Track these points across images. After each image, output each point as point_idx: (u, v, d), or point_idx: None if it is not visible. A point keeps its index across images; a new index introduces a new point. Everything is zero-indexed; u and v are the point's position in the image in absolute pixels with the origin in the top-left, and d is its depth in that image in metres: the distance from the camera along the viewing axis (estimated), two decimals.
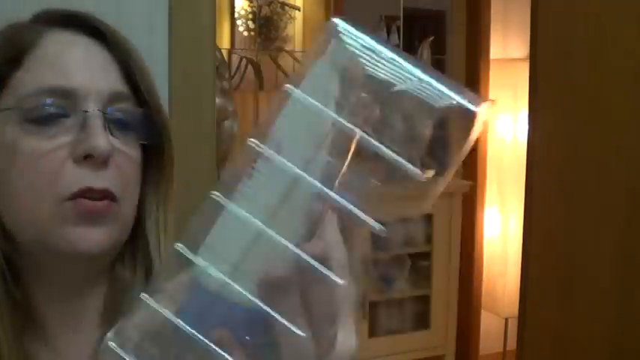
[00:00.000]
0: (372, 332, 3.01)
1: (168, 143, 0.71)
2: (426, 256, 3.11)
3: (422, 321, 3.14)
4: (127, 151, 0.67)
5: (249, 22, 3.31)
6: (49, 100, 0.66)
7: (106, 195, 0.65)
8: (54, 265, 0.68)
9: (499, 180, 3.21)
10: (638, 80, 1.49)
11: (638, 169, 1.50)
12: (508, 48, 3.31)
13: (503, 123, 3.25)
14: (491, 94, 3.39)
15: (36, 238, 0.66)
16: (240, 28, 3.25)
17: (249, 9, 3.31)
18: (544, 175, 1.65)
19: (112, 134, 0.66)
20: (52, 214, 0.64)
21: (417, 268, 3.12)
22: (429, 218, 3.07)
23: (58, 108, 0.66)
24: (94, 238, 0.65)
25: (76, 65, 0.67)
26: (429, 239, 3.10)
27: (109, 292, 0.72)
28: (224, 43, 3.18)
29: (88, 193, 0.64)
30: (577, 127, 1.58)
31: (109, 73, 0.69)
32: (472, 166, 3.25)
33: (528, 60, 1.71)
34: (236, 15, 3.27)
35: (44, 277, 0.69)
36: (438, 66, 3.68)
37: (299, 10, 3.43)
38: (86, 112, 0.65)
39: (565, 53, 1.60)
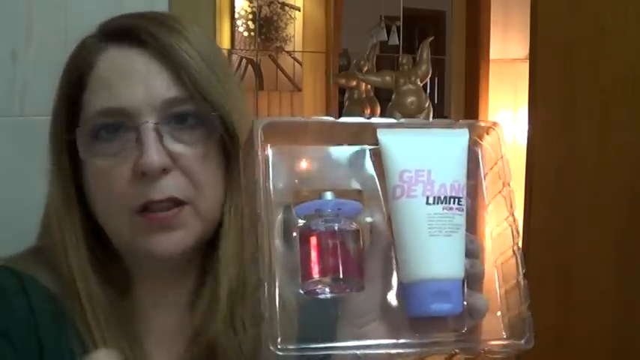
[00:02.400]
0: None
1: (230, 136, 0.72)
2: None
3: None
4: (191, 152, 0.70)
5: (249, 23, 3.31)
6: (104, 121, 0.70)
7: (170, 202, 0.70)
8: (147, 260, 0.74)
9: None
10: (638, 80, 1.49)
11: (638, 169, 1.50)
12: (508, 48, 3.31)
13: (502, 123, 3.25)
14: (491, 95, 3.39)
15: (124, 244, 0.73)
16: (240, 28, 3.25)
17: (249, 9, 3.31)
18: (544, 174, 1.65)
19: (174, 139, 0.70)
20: (128, 226, 0.71)
21: None
22: None
23: (115, 127, 0.70)
24: (169, 242, 0.70)
25: (124, 84, 0.70)
26: None
27: (201, 273, 0.77)
28: (224, 43, 3.18)
29: (152, 205, 0.69)
30: (577, 127, 1.58)
31: (159, 82, 0.71)
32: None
33: (528, 60, 1.71)
34: (236, 15, 3.27)
35: (140, 266, 0.76)
36: (438, 66, 3.68)
37: (299, 10, 3.43)
38: (138, 127, 0.69)
39: (565, 53, 1.59)
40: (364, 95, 3.63)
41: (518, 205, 2.15)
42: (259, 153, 0.57)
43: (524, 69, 1.76)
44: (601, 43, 1.54)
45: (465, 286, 0.60)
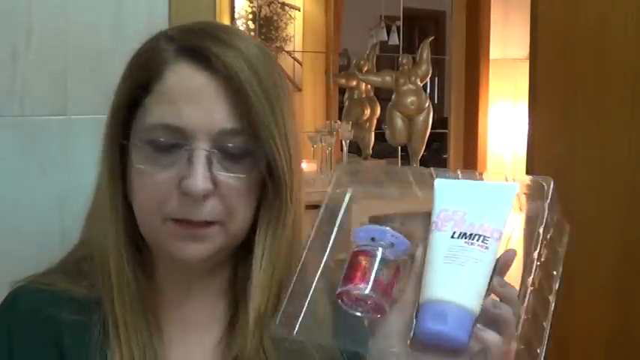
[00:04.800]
0: None
1: (278, 171, 0.75)
2: None
3: None
4: (233, 182, 0.74)
5: (249, 22, 3.32)
6: (162, 136, 0.73)
7: (204, 223, 0.74)
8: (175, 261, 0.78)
9: None
10: (638, 80, 1.50)
11: (638, 169, 1.50)
12: (508, 48, 3.32)
13: (502, 121, 3.25)
14: (491, 94, 3.40)
15: (152, 244, 0.77)
16: (241, 28, 3.25)
17: (249, 9, 3.31)
18: (544, 175, 1.65)
19: (221, 166, 0.73)
20: (159, 229, 0.74)
21: None
22: None
23: (170, 142, 0.73)
24: (194, 251, 0.75)
25: (187, 105, 0.73)
26: None
27: (232, 275, 0.82)
28: None
29: (187, 221, 0.73)
30: (577, 127, 1.58)
31: (219, 110, 0.73)
32: (472, 166, 3.25)
33: (528, 60, 1.71)
34: (236, 15, 3.28)
35: (169, 264, 0.80)
36: (438, 66, 3.68)
37: (299, 10, 3.43)
38: (192, 150, 0.72)
39: (565, 53, 1.60)
40: (364, 95, 3.64)
41: None
42: (343, 192, 0.71)
43: (524, 69, 1.76)
44: (601, 43, 1.54)
45: (478, 321, 0.64)
